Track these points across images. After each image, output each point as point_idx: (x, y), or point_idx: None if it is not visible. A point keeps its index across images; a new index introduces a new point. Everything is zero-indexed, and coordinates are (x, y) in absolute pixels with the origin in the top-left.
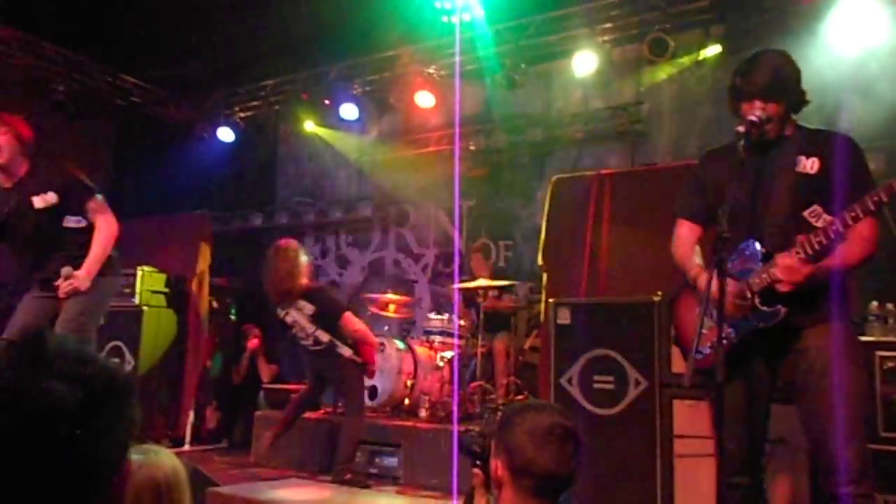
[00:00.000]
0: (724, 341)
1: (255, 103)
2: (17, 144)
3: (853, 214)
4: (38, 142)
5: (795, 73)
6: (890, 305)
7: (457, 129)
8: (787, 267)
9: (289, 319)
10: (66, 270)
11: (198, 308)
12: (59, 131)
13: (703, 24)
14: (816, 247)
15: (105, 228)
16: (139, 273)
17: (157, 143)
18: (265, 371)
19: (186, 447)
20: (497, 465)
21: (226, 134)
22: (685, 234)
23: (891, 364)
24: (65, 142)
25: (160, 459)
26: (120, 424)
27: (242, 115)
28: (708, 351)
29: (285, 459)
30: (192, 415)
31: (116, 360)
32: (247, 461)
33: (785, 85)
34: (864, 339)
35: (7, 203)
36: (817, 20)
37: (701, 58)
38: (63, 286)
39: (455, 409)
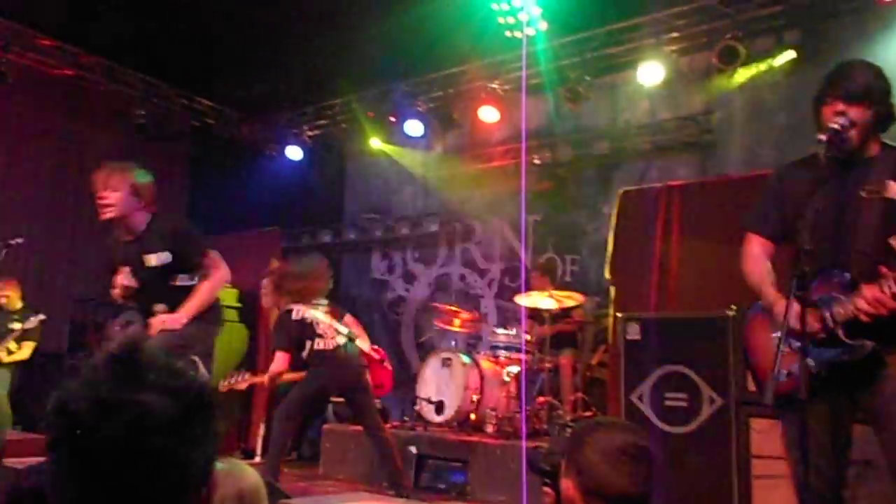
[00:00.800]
0: (804, 371)
1: (322, 122)
2: (131, 199)
3: None
4: (156, 193)
5: (885, 85)
6: None
7: (523, 143)
8: (876, 300)
9: (308, 317)
10: (160, 307)
11: (268, 323)
12: (139, 153)
13: (776, 30)
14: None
15: (214, 278)
16: None
17: (230, 162)
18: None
19: (257, 459)
20: (568, 486)
21: (294, 152)
22: (757, 252)
23: None
24: (144, 163)
25: (244, 470)
26: (208, 436)
27: (310, 133)
28: (785, 376)
29: (353, 473)
30: (262, 427)
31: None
32: (315, 473)
33: (871, 90)
34: None
35: (125, 254)
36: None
37: (775, 64)
38: (155, 322)
39: (523, 424)
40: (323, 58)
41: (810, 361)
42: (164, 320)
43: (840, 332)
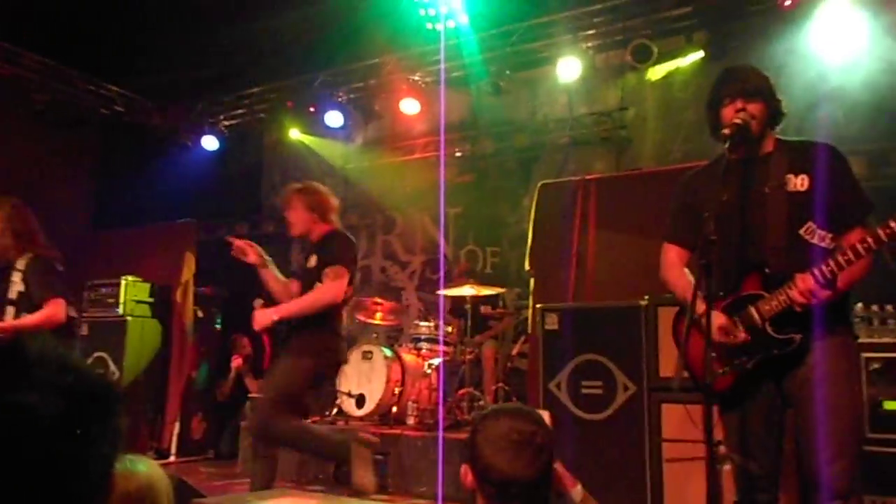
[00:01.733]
0: (738, 366)
1: (239, 111)
2: (308, 215)
3: (865, 246)
4: (326, 203)
5: (770, 84)
6: (875, 307)
7: (442, 136)
8: (808, 290)
9: None
10: (258, 302)
11: (182, 318)
12: (43, 141)
13: (686, 31)
14: (828, 275)
15: (321, 289)
16: (123, 283)
17: (142, 152)
18: (254, 386)
19: (172, 458)
20: (465, 470)
21: (210, 142)
22: (673, 260)
23: (876, 365)
24: (49, 152)
25: (134, 469)
26: (105, 436)
27: (227, 123)
28: (720, 374)
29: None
30: (177, 426)
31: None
32: (233, 472)
33: (763, 87)
34: None
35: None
36: (798, 26)
37: (684, 64)
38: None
39: (441, 416)
40: (240, 45)
41: (744, 358)
42: (256, 315)
43: (769, 329)
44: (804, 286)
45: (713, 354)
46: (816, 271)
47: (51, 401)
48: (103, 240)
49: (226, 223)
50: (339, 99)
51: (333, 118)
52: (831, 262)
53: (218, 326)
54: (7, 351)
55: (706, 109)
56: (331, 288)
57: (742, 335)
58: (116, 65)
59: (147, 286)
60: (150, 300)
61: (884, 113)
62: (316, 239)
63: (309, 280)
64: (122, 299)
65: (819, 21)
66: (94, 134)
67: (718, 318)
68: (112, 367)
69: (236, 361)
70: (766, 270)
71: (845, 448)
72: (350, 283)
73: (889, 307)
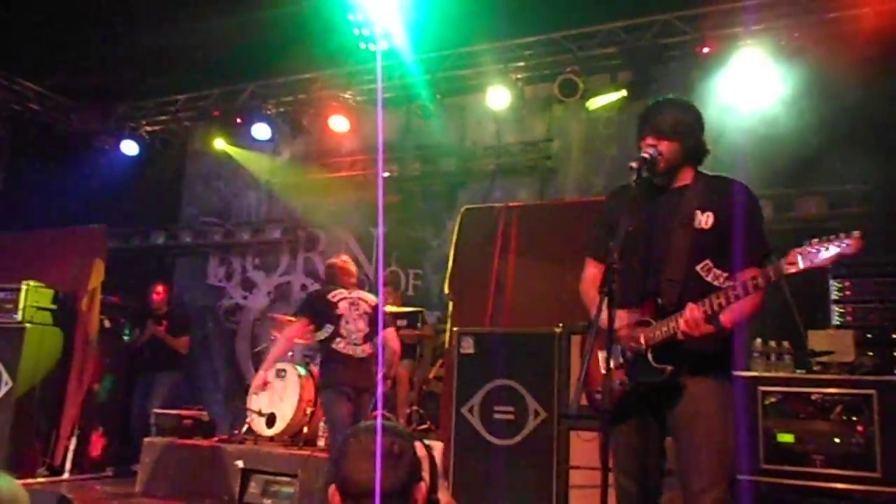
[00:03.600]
0: (619, 385)
1: (162, 117)
2: None
3: (755, 284)
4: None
5: (693, 120)
6: (773, 343)
7: (380, 156)
8: (694, 319)
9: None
10: None
11: (87, 327)
12: None
13: (611, 70)
14: (716, 308)
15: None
16: (24, 288)
17: (56, 152)
18: (178, 344)
19: (66, 476)
20: (333, 491)
21: (129, 147)
22: (592, 275)
23: (772, 399)
24: None
25: None
26: None
27: (148, 128)
28: (609, 391)
29: (174, 489)
30: (73, 441)
31: None
32: (132, 491)
33: (678, 126)
34: (746, 374)
35: None
36: (714, 73)
37: (608, 102)
38: None
39: (379, 439)
40: (167, 50)
41: (625, 378)
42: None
43: (649, 356)
44: (690, 315)
45: (603, 371)
46: (705, 303)
47: None
48: (4, 241)
49: (141, 231)
50: (268, 111)
51: (261, 130)
52: (721, 296)
53: (126, 338)
54: None
55: (636, 139)
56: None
57: (642, 342)
58: (34, 61)
59: (50, 292)
60: (53, 307)
61: (788, 158)
62: None
63: None
64: (21, 305)
65: (733, 67)
66: (3, 130)
67: (623, 320)
68: (5, 376)
69: (159, 330)
70: (660, 301)
71: (716, 480)
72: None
73: (786, 343)
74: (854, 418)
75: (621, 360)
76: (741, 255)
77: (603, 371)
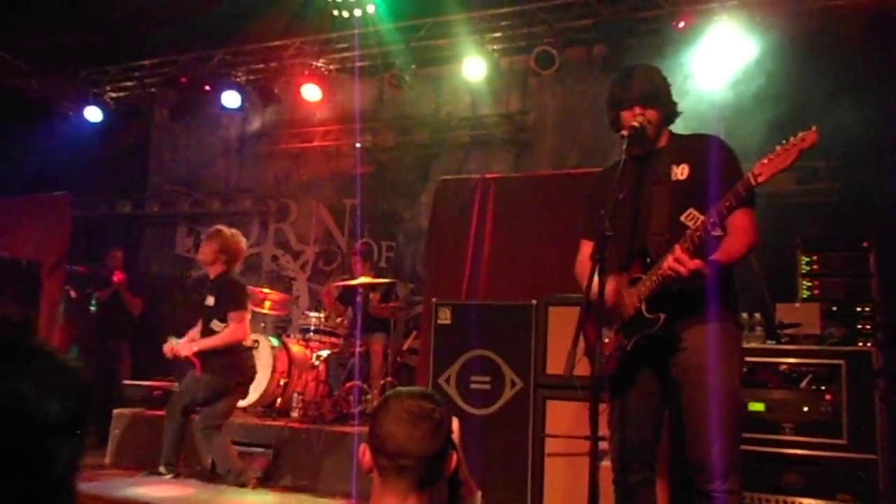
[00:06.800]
0: (619, 349)
1: (127, 83)
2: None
3: (727, 204)
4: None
5: (666, 84)
6: (744, 315)
7: (357, 125)
8: (676, 259)
9: None
10: (171, 340)
11: (52, 297)
12: None
13: (587, 43)
14: (696, 241)
15: (231, 331)
16: None
17: (16, 118)
18: (134, 304)
19: None
20: (363, 450)
21: (94, 114)
22: (586, 253)
23: (743, 369)
24: None
25: None
26: (82, 443)
27: (114, 95)
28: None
29: (146, 460)
30: None
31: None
32: (101, 462)
33: (659, 93)
34: None
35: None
36: (688, 47)
37: (584, 74)
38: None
39: (356, 407)
40: (134, 13)
41: (624, 340)
42: (171, 346)
43: (643, 308)
44: (672, 255)
45: (605, 340)
46: (685, 238)
47: (56, 399)
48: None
49: (107, 200)
50: (238, 79)
51: (230, 98)
52: (699, 227)
53: (92, 308)
54: (12, 339)
55: (607, 107)
56: (238, 331)
57: (635, 298)
58: None
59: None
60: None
61: (759, 134)
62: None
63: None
64: None
65: (707, 41)
66: None
67: (611, 284)
68: None
69: (118, 276)
70: (648, 258)
71: (726, 429)
72: None
73: (757, 315)
74: (822, 388)
75: (619, 325)
76: (719, 193)
77: (602, 340)
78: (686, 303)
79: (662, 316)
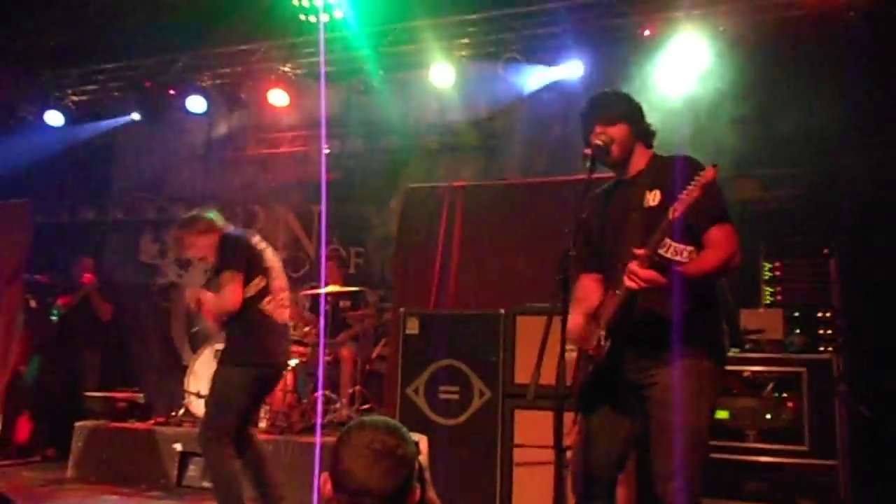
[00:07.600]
0: (582, 374)
1: (89, 87)
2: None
3: (657, 238)
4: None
5: (632, 103)
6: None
7: (322, 131)
8: (632, 271)
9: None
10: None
11: (13, 306)
12: None
13: (556, 50)
14: (653, 246)
15: (222, 296)
16: None
17: None
18: (104, 309)
19: None
20: (325, 479)
21: (54, 118)
22: (587, 284)
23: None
24: None
25: None
26: None
27: (75, 99)
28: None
29: (109, 474)
30: None
31: None
32: (63, 477)
33: (624, 110)
34: None
35: None
36: (654, 56)
37: (551, 81)
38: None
39: (319, 418)
40: (96, 15)
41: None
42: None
43: (602, 335)
44: (629, 267)
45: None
46: (642, 259)
47: None
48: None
49: (68, 206)
50: (203, 83)
51: (195, 103)
52: (657, 232)
53: (53, 317)
54: None
55: (581, 130)
56: (231, 295)
57: (594, 343)
58: None
59: None
60: None
61: (725, 143)
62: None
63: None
64: None
65: (672, 49)
66: None
67: (577, 319)
68: None
69: (87, 278)
70: (618, 292)
71: (685, 466)
72: (255, 277)
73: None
74: (784, 395)
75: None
76: (697, 220)
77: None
78: (659, 336)
79: (606, 344)
